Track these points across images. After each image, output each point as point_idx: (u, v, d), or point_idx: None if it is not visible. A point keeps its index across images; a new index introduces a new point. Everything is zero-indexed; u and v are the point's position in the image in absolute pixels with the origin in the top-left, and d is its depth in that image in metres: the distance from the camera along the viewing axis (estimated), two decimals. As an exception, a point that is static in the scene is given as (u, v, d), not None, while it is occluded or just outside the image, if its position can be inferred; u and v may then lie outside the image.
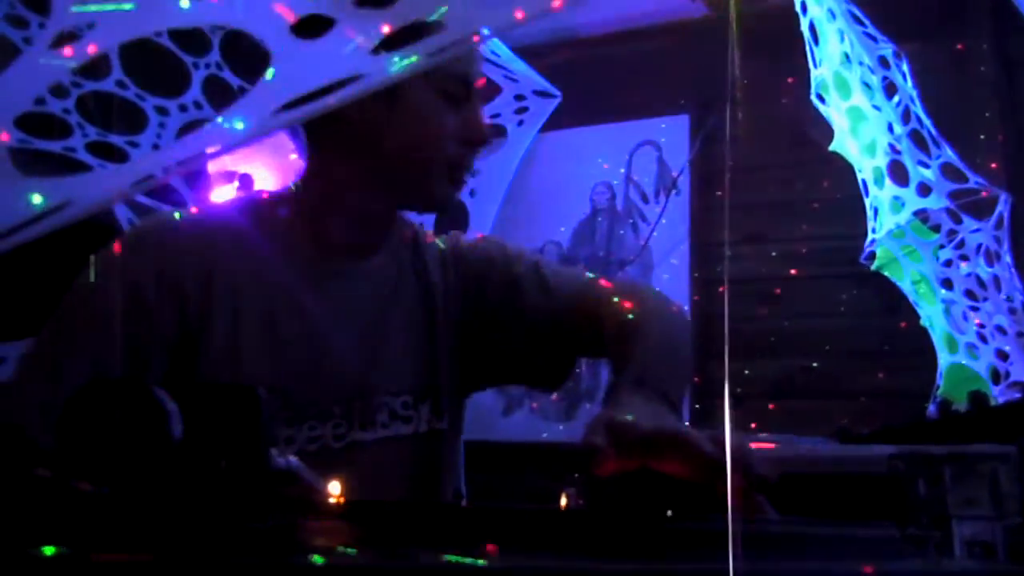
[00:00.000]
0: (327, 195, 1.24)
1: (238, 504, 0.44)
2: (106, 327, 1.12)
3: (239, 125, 0.63)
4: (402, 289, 1.30)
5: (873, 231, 2.53)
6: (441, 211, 1.32)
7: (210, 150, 0.73)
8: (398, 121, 1.16)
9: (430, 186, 1.21)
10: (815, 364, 2.98)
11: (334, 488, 0.61)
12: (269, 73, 0.64)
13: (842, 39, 2.46)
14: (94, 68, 2.30)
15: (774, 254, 3.14)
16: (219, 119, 0.65)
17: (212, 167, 2.57)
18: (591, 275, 1.36)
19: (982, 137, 2.85)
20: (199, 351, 1.15)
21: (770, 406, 3.00)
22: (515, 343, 1.32)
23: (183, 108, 2.48)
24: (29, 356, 1.15)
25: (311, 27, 0.70)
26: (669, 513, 0.65)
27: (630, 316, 1.16)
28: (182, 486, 0.44)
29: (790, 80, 2.83)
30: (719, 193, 3.25)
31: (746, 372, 3.02)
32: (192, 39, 2.53)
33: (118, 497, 0.44)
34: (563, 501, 0.72)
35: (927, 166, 2.39)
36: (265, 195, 1.31)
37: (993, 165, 2.75)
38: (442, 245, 1.37)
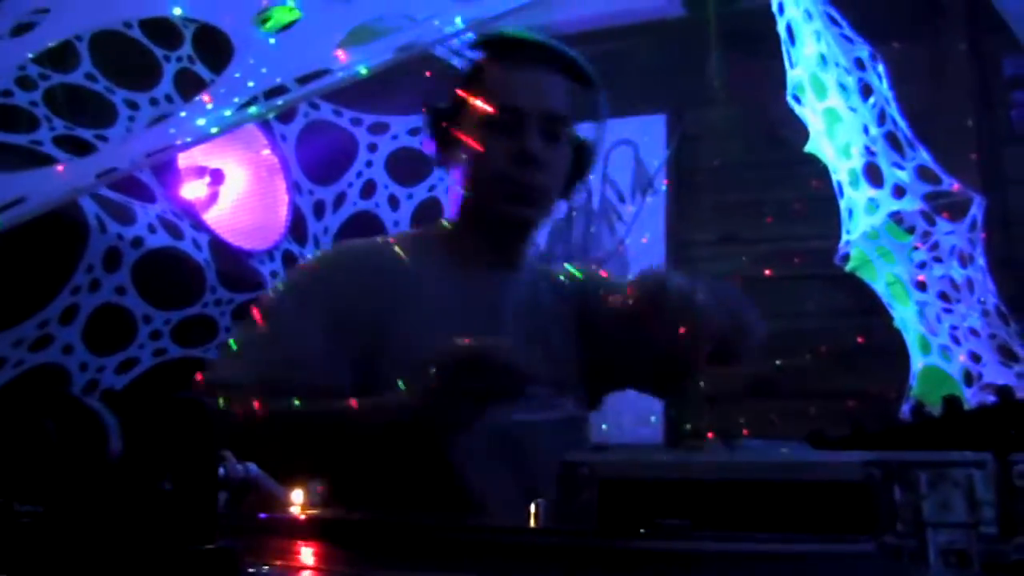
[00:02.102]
0: (462, 226, 1.49)
1: (182, 524, 0.42)
2: (315, 324, 1.36)
3: (202, 121, 0.61)
4: (541, 301, 1.55)
5: (847, 232, 2.54)
6: (512, 228, 1.49)
7: (177, 143, 0.70)
8: (461, 153, 1.43)
9: (493, 204, 1.44)
10: (779, 363, 2.97)
11: (296, 496, 0.59)
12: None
13: (819, 40, 2.46)
14: (63, 60, 2.26)
15: (748, 254, 3.14)
16: (182, 113, 0.63)
17: (183, 162, 2.53)
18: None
19: (957, 139, 2.86)
20: (383, 354, 1.36)
21: (748, 414, 3.01)
22: (628, 362, 1.51)
23: (154, 102, 2.44)
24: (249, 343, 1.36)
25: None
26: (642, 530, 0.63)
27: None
28: (122, 504, 0.42)
29: (766, 81, 2.83)
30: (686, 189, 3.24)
31: (719, 372, 3.01)
32: (163, 32, 2.49)
33: (52, 517, 0.41)
34: (532, 509, 0.70)
35: (902, 168, 2.39)
36: (431, 229, 1.58)
37: (967, 169, 2.76)
38: (565, 278, 1.62)
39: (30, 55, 0.62)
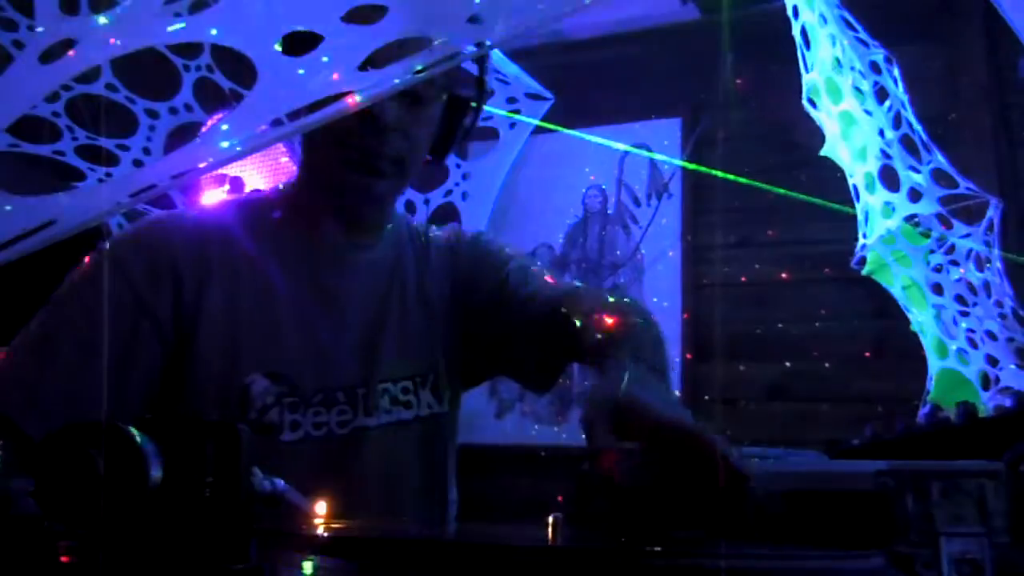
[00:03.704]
0: (300, 193, 1.33)
1: (217, 543, 0.43)
2: (97, 317, 1.15)
3: (226, 143, 0.63)
4: (401, 279, 1.37)
5: (864, 236, 2.53)
6: (357, 199, 1.28)
7: (201, 165, 0.72)
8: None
9: (334, 170, 1.23)
10: (794, 366, 2.98)
11: (320, 508, 0.61)
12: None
13: (834, 44, 2.46)
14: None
15: (764, 258, 3.14)
16: (215, 141, 0.65)
17: (203, 170, 2.56)
18: (578, 284, 1.42)
19: (973, 142, 2.86)
20: (195, 340, 1.19)
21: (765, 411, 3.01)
22: (504, 337, 1.37)
23: (173, 111, 2.47)
24: (19, 343, 1.16)
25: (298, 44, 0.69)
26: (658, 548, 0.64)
27: (619, 321, 1.16)
28: (160, 526, 0.43)
29: (781, 84, 2.84)
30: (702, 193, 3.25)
31: (736, 375, 3.03)
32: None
33: (95, 539, 0.43)
34: (550, 520, 0.71)
35: (918, 171, 2.39)
36: (264, 193, 1.40)
37: (983, 171, 2.75)
38: (448, 237, 1.45)
39: (61, 81, 0.64)
